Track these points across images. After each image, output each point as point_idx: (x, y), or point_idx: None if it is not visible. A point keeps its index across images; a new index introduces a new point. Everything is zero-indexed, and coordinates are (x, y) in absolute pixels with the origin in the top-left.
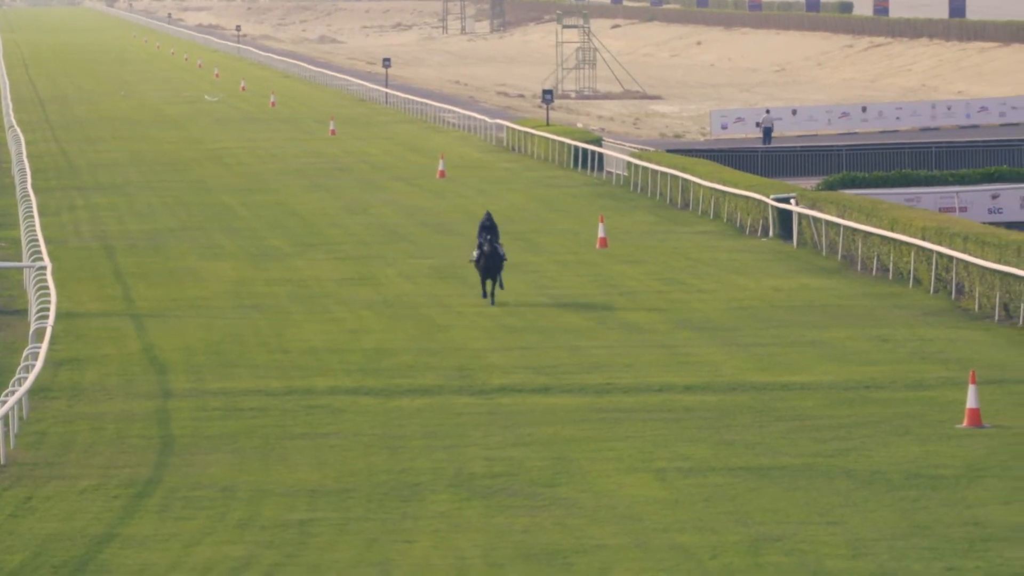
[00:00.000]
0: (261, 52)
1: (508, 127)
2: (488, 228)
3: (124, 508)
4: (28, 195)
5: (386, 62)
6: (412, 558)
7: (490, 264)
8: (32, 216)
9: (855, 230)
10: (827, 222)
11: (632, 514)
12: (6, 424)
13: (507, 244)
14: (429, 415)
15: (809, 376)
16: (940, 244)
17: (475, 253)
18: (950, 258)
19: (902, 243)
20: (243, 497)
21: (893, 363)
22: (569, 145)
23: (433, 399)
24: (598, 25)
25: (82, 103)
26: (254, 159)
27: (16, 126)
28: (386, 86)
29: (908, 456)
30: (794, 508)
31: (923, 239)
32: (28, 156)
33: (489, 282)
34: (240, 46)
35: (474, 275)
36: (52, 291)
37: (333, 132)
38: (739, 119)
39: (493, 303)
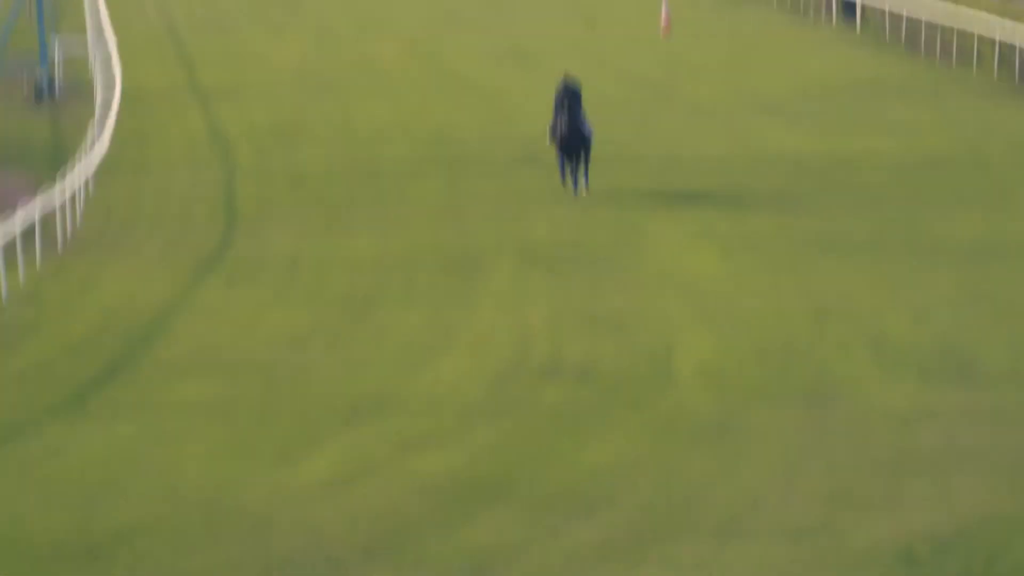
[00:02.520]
0: None
1: None
2: (569, 95)
3: (191, 279)
4: None
5: None
6: (477, 324)
7: (571, 144)
8: None
9: (918, 14)
10: (891, 6)
11: (695, 284)
12: (73, 199)
13: (570, 28)
14: (494, 188)
15: (873, 152)
16: (1003, 27)
17: (551, 126)
18: (1012, 43)
19: (964, 27)
20: (309, 267)
21: (956, 140)
22: None
23: (497, 173)
24: None
25: None
26: None
27: None
28: None
29: (971, 229)
30: (856, 278)
31: (987, 22)
32: None
33: (570, 165)
34: None
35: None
36: (118, 70)
37: None
38: None
39: (576, 192)
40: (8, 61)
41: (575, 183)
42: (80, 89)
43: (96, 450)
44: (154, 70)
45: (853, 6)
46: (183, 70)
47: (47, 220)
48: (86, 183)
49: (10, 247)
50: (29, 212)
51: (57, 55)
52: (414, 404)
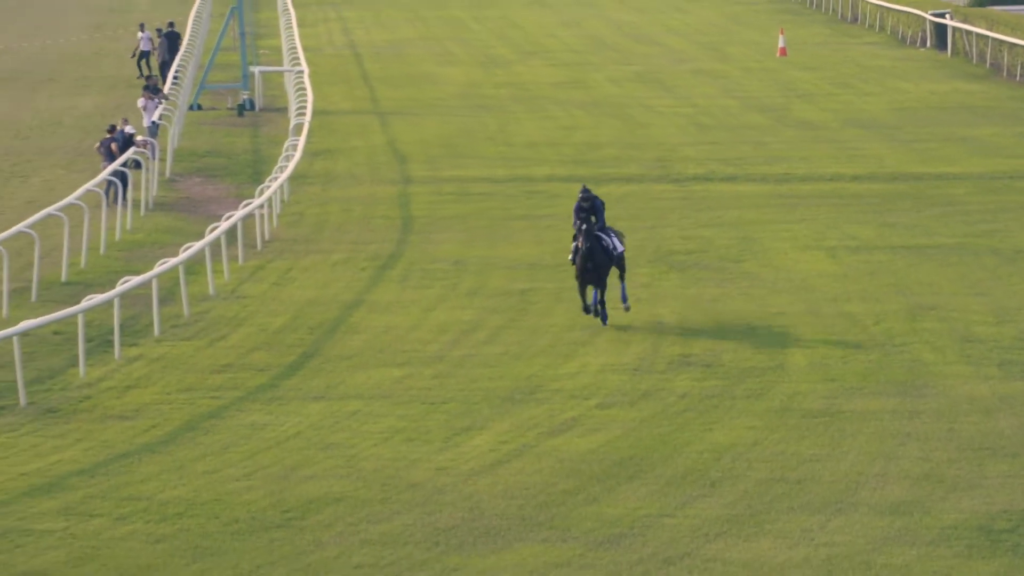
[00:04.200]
0: None
1: None
2: (587, 210)
3: (371, 278)
4: (288, 9)
5: None
6: (616, 322)
7: (591, 265)
8: (292, 27)
9: (1002, 41)
10: (977, 34)
11: (806, 285)
12: (270, 206)
13: (699, 55)
14: (633, 199)
15: (960, 167)
16: None
17: (572, 247)
18: None
19: None
20: (472, 269)
21: None
22: None
23: (635, 186)
24: None
25: None
26: None
27: None
28: None
29: None
30: (947, 281)
31: None
32: None
33: (592, 290)
34: None
35: (674, 77)
36: (309, 92)
37: None
38: None
39: (604, 321)
40: (213, 84)
41: (602, 312)
42: (276, 109)
43: (289, 430)
44: (340, 92)
45: (944, 34)
46: (365, 91)
47: (248, 225)
48: (281, 192)
49: (216, 248)
50: (233, 218)
51: (257, 79)
52: (562, 392)
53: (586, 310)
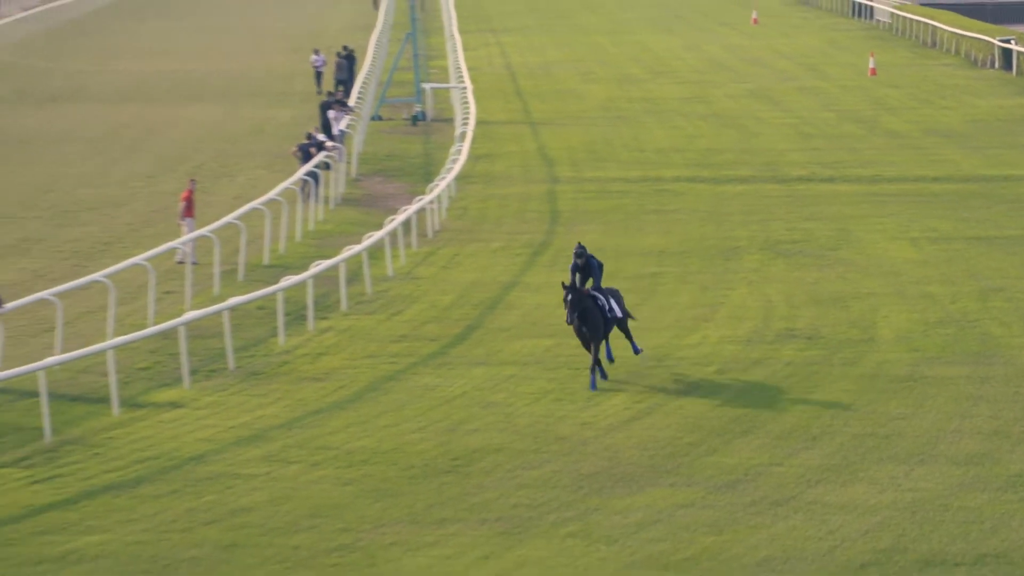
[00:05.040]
0: None
1: None
2: (581, 268)
3: (524, 263)
4: (454, 35)
5: None
6: (732, 300)
7: (585, 329)
8: (457, 51)
9: None
10: None
11: (894, 270)
12: (439, 201)
13: (802, 75)
14: (746, 197)
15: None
16: None
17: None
18: None
19: None
20: (610, 256)
21: None
22: None
23: (748, 186)
24: None
25: None
26: (617, 8)
27: None
28: None
29: None
30: (1012, 267)
31: None
32: (454, 6)
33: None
34: None
35: (781, 93)
36: (472, 105)
37: None
38: None
39: (604, 376)
40: (392, 99)
41: (600, 369)
42: (444, 119)
43: (456, 391)
44: (498, 105)
45: (1010, 56)
46: (519, 105)
47: (420, 217)
48: (449, 189)
49: (394, 237)
50: (408, 211)
51: (428, 94)
52: (686, 359)
53: (592, 386)
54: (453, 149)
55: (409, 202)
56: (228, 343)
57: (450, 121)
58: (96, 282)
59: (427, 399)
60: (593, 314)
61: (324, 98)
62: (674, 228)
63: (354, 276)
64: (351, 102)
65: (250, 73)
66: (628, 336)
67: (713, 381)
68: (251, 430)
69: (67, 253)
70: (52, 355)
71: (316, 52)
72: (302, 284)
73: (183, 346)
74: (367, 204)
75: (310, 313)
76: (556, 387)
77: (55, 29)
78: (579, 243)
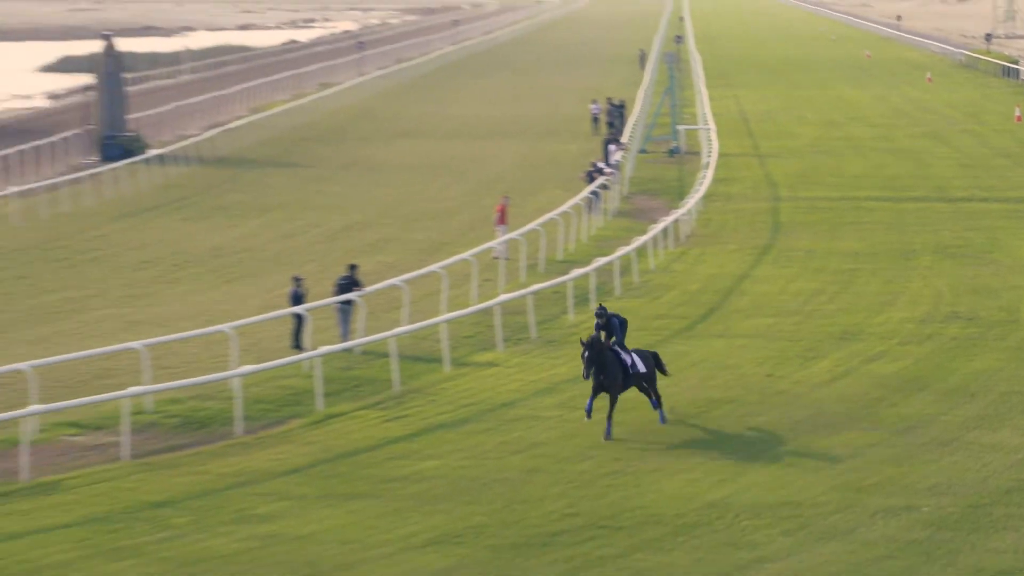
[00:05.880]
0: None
1: (966, 54)
2: (603, 327)
3: (752, 260)
4: (702, 90)
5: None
6: (911, 290)
7: (602, 377)
8: (703, 101)
9: None
10: None
11: None
12: (689, 214)
13: (964, 120)
14: (921, 212)
15: None
16: None
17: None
18: None
19: None
20: (818, 256)
21: None
22: (998, 64)
23: (923, 204)
24: None
25: (734, 42)
26: (823, 68)
27: (696, 52)
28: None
29: None
30: None
31: None
32: (702, 67)
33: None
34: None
35: (948, 134)
36: (714, 140)
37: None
38: None
39: (608, 435)
40: (655, 136)
41: (607, 426)
42: (694, 152)
43: (701, 356)
44: (734, 141)
45: None
46: (749, 142)
47: (675, 226)
48: (696, 205)
49: (656, 241)
50: (666, 221)
51: (682, 133)
52: (875, 334)
53: (587, 414)
54: (700, 175)
55: (667, 214)
56: (531, 318)
57: (698, 154)
58: (433, 272)
59: (679, 362)
60: (612, 366)
61: (606, 136)
62: (866, 235)
63: (625, 269)
64: (624, 140)
65: (547, 118)
66: (654, 394)
67: (895, 350)
68: (547, 383)
69: (412, 250)
70: (400, 327)
71: (594, 102)
72: (586, 275)
73: (498, 320)
74: (635, 216)
75: (592, 296)
76: (776, 354)
77: (404, 83)
78: (600, 305)
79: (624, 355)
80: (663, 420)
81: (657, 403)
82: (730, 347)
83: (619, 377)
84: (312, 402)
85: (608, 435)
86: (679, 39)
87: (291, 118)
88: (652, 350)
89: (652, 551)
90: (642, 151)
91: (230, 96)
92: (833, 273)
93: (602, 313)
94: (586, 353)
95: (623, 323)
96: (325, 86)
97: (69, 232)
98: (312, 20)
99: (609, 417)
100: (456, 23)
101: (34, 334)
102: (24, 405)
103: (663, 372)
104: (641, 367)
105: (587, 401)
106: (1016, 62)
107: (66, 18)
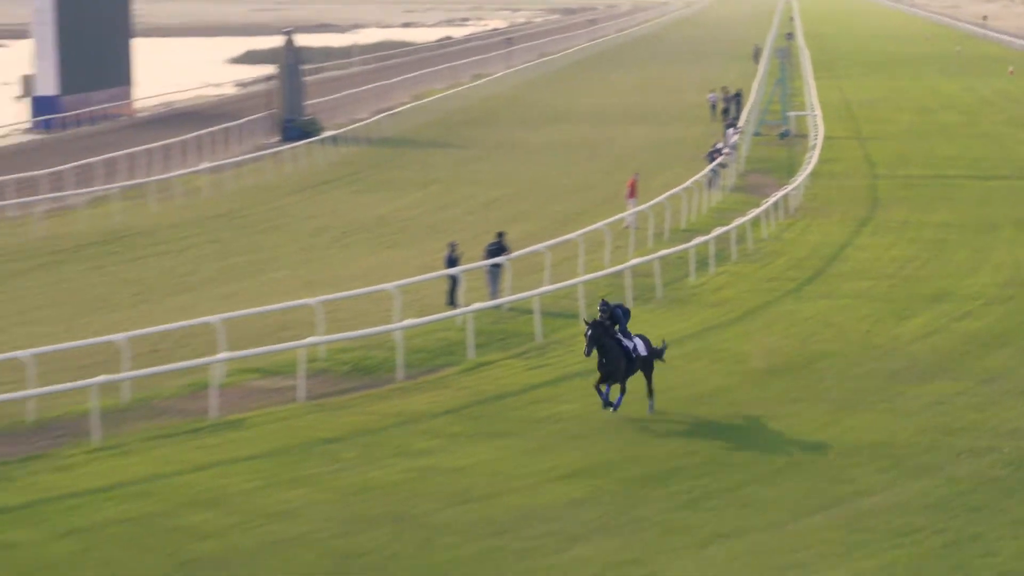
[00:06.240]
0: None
1: None
2: (608, 319)
3: (853, 231)
4: (809, 81)
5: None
6: (994, 258)
7: (605, 360)
8: (811, 89)
9: None
10: None
11: None
12: (798, 189)
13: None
14: (1004, 190)
15: None
16: None
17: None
18: None
19: None
20: (912, 227)
21: None
22: None
23: (1005, 182)
24: None
25: (839, 39)
26: (917, 61)
27: (805, 47)
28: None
29: None
30: None
31: None
32: (809, 61)
33: (610, 385)
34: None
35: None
36: (820, 125)
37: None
38: None
39: (615, 407)
40: (768, 121)
41: (617, 401)
42: (802, 135)
43: (806, 314)
44: (838, 126)
45: None
46: (852, 125)
47: (785, 200)
48: (804, 181)
49: (768, 213)
50: (777, 196)
51: (792, 118)
52: (962, 296)
53: (604, 405)
54: (808, 155)
55: (778, 189)
56: (657, 280)
57: (806, 137)
58: (571, 239)
59: (788, 319)
60: (614, 350)
61: (726, 121)
62: (955, 209)
63: (740, 237)
64: (740, 125)
65: (672, 105)
66: (647, 382)
67: (980, 310)
68: (672, 338)
69: (553, 220)
70: (542, 287)
71: (712, 92)
72: (707, 242)
73: (628, 281)
74: (750, 191)
75: (711, 261)
76: (874, 312)
77: (547, 74)
78: (602, 299)
79: (627, 341)
80: (651, 410)
81: (648, 392)
82: (833, 307)
83: (622, 363)
84: (464, 352)
85: (614, 405)
86: (790, 36)
87: (448, 104)
88: (663, 341)
89: (762, 484)
90: (756, 134)
91: (394, 85)
92: (925, 242)
93: (605, 308)
94: (589, 332)
95: (626, 312)
96: (477, 77)
97: (253, 203)
98: (466, 18)
99: (618, 398)
100: (593, 22)
101: (223, 291)
102: (213, 353)
103: (660, 359)
104: (643, 351)
105: (602, 392)
106: None
107: (250, 16)
